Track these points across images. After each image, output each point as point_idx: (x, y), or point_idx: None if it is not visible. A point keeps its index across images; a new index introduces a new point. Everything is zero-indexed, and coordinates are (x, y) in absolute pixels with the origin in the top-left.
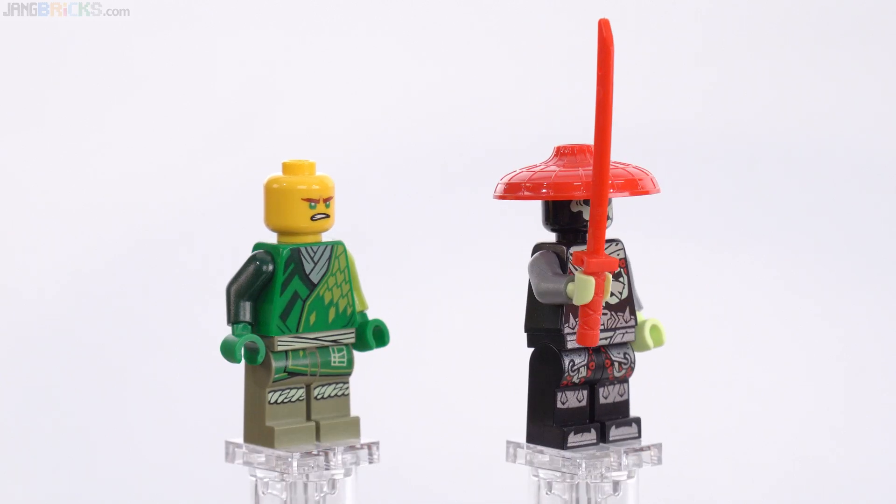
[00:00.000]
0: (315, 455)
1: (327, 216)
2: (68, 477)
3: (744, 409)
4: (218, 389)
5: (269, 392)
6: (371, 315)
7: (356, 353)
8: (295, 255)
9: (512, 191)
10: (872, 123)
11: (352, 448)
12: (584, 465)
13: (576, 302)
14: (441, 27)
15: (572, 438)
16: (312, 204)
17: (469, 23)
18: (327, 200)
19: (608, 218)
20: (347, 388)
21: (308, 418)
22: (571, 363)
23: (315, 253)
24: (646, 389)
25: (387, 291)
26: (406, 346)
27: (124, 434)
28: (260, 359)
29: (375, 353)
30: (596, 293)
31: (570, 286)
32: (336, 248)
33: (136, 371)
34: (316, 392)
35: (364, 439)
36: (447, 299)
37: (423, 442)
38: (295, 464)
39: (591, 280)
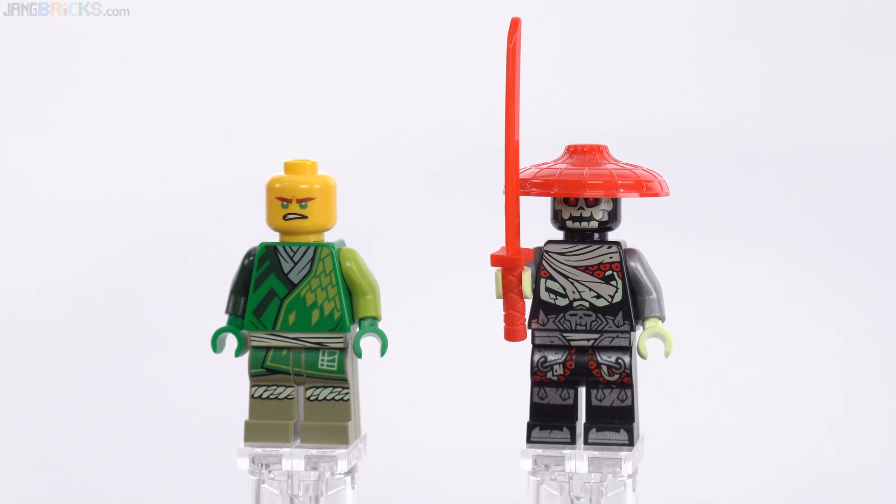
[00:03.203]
0: (270, 456)
1: (303, 217)
2: (68, 476)
3: (744, 409)
4: (219, 388)
5: (253, 387)
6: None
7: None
8: (270, 253)
9: (520, 187)
10: (873, 123)
11: (315, 456)
12: (532, 460)
13: (495, 297)
14: (444, 26)
15: (537, 434)
16: (284, 203)
17: (471, 22)
18: (303, 201)
19: (615, 219)
20: (347, 393)
21: (301, 418)
22: (543, 359)
23: (295, 253)
24: (646, 389)
25: (388, 291)
26: (406, 346)
27: (125, 433)
28: (236, 352)
29: (375, 353)
30: (507, 289)
31: None
32: (320, 251)
33: (138, 370)
34: (309, 393)
35: (349, 448)
36: (449, 298)
37: (424, 442)
38: (246, 461)
39: (496, 275)
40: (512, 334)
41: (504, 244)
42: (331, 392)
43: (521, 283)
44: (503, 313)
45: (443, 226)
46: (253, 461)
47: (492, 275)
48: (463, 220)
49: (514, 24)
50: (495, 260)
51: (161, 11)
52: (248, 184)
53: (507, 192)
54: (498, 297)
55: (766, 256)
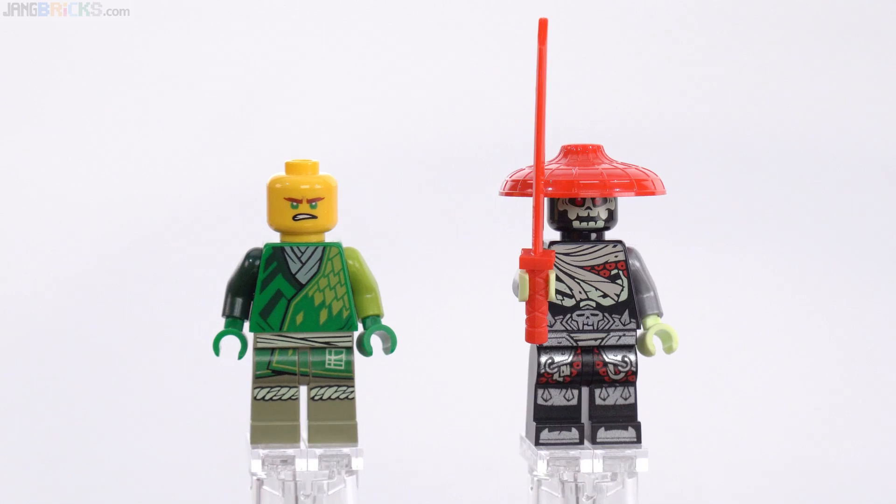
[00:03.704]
0: (281, 457)
1: (313, 217)
2: (68, 476)
3: (744, 410)
4: (218, 389)
5: (256, 389)
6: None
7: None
8: (278, 254)
9: (519, 188)
10: (873, 123)
11: (328, 455)
12: (546, 462)
13: (518, 299)
14: (446, 26)
15: (546, 435)
16: (294, 204)
17: (472, 22)
18: (313, 201)
19: (613, 219)
20: (353, 391)
21: (306, 419)
22: (550, 361)
23: (303, 253)
24: (646, 389)
25: (389, 291)
26: (407, 346)
27: (125, 433)
28: (239, 355)
29: (377, 352)
30: (534, 291)
31: (514, 283)
32: (329, 250)
33: (137, 369)
34: (314, 393)
35: (359, 446)
36: (450, 298)
37: (424, 442)
38: (259, 462)
39: (524, 277)
40: (535, 336)
41: (530, 246)
42: (335, 391)
43: (548, 285)
44: (527, 315)
45: (443, 226)
46: (264, 463)
47: (495, 274)
48: (464, 221)
49: (543, 25)
50: (524, 262)
51: (161, 11)
52: (248, 184)
53: (535, 195)
54: (522, 300)
55: (766, 256)
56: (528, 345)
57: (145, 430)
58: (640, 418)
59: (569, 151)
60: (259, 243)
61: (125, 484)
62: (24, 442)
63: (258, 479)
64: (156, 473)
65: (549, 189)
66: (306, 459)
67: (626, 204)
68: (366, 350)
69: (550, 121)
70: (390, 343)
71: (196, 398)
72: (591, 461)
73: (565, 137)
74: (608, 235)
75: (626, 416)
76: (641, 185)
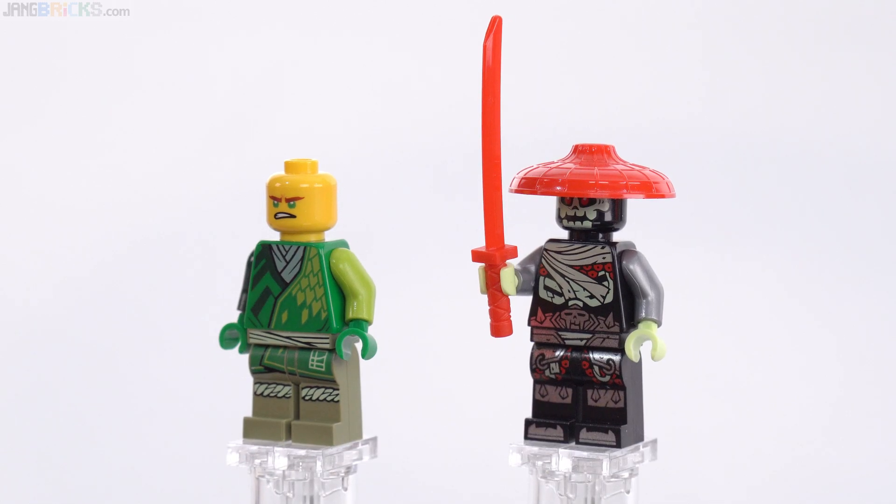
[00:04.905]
0: (259, 452)
1: (291, 216)
2: (68, 476)
3: (743, 409)
4: (220, 387)
5: (255, 384)
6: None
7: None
8: (266, 252)
9: (528, 185)
10: (871, 124)
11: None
12: (520, 456)
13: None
14: (447, 26)
15: (533, 431)
16: (275, 202)
17: (473, 22)
18: (291, 200)
19: (620, 220)
20: (337, 394)
21: (296, 417)
22: (541, 357)
23: (287, 252)
24: (648, 389)
25: (390, 291)
26: (408, 346)
27: (125, 432)
28: (240, 349)
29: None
30: (488, 284)
31: None
32: (309, 251)
33: (137, 369)
34: (304, 393)
35: (333, 450)
36: (451, 298)
37: (425, 441)
38: (236, 455)
39: (479, 271)
40: (497, 330)
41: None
42: (323, 392)
43: (499, 279)
44: (489, 309)
45: (446, 226)
46: (242, 458)
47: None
48: (466, 220)
49: (492, 22)
50: (475, 255)
51: (161, 12)
52: (251, 183)
53: (485, 187)
54: (482, 293)
55: (765, 256)
56: (531, 344)
57: (146, 431)
58: (647, 421)
59: (580, 151)
60: (247, 243)
61: (126, 483)
62: (24, 442)
63: (256, 477)
64: (156, 473)
65: (558, 188)
66: (275, 457)
67: (638, 205)
68: (338, 353)
69: (553, 121)
70: (362, 348)
71: (198, 397)
72: (559, 459)
73: (564, 138)
74: (616, 236)
75: (613, 420)
76: (652, 188)
